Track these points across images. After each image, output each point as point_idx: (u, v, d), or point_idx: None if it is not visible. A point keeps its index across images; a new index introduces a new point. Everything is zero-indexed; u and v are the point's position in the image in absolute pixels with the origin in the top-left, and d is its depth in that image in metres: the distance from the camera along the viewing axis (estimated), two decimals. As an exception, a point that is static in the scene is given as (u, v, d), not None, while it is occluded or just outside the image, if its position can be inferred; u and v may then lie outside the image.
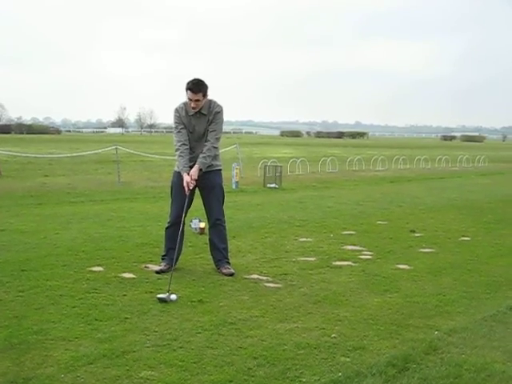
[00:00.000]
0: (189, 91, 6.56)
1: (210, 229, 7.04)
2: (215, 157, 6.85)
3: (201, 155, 6.66)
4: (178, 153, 6.73)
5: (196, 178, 6.60)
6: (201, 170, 6.65)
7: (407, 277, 6.88)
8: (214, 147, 6.76)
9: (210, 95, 6.75)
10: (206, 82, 6.66)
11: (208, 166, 6.75)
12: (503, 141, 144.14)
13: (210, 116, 6.71)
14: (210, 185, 6.87)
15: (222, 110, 6.79)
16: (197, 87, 6.55)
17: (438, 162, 31.14)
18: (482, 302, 5.94)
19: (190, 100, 6.59)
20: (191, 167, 6.65)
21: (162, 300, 5.59)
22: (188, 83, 6.57)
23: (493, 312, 5.50)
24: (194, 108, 6.63)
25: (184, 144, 6.70)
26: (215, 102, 6.77)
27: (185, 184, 6.57)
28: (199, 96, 6.57)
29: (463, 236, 9.71)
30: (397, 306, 5.68)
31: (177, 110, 6.77)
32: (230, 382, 3.89)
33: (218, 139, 6.78)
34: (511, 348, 4.61)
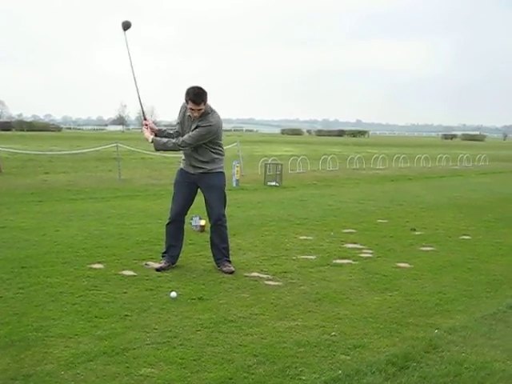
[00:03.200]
0: (190, 102, 6.49)
1: (211, 228, 7.03)
2: (214, 160, 6.81)
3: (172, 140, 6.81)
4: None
5: (151, 125, 6.95)
6: (152, 141, 6.86)
7: (407, 275, 6.88)
8: (179, 145, 6.72)
9: (211, 94, 6.69)
10: (205, 88, 6.57)
11: (209, 169, 6.80)
12: (504, 139, 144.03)
13: (201, 123, 6.63)
14: (211, 184, 6.87)
15: (210, 126, 6.62)
16: (199, 98, 6.47)
17: (439, 161, 31.12)
18: (482, 300, 5.95)
19: (192, 110, 6.55)
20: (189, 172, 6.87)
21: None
22: (189, 93, 6.47)
23: (493, 311, 5.50)
24: (195, 117, 6.60)
25: (176, 131, 6.89)
26: (212, 115, 6.67)
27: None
28: (201, 106, 6.53)
29: (464, 235, 9.71)
30: (397, 305, 5.68)
31: (183, 107, 6.78)
32: (230, 379, 3.89)
33: (189, 140, 6.64)
34: (511, 347, 4.61)
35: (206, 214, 7.11)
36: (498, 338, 4.79)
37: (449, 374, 4.04)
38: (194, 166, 6.83)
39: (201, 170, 6.81)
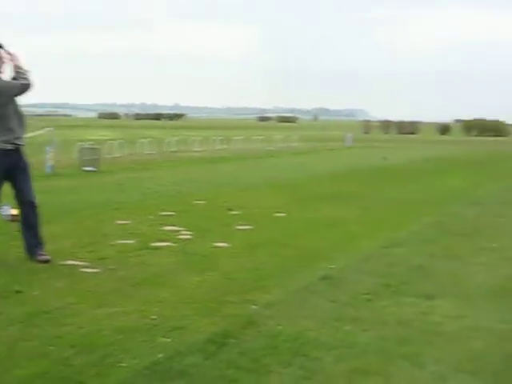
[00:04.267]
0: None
1: (27, 211, 6.60)
2: (24, 132, 6.52)
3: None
4: None
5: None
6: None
7: (226, 254, 7.00)
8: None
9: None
10: None
11: (20, 141, 6.43)
12: (314, 121, 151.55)
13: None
14: (23, 164, 6.53)
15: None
16: None
17: (255, 143, 32.04)
18: (296, 274, 6.21)
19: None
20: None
21: None
22: None
23: (305, 283, 5.77)
24: None
25: None
26: None
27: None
28: None
29: (278, 212, 10.07)
30: (215, 284, 5.76)
31: None
32: (45, 373, 3.72)
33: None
34: (322, 316, 4.86)
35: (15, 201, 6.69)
36: (311, 309, 5.03)
37: (266, 347, 4.17)
38: (17, 138, 6.38)
39: (21, 143, 6.43)
